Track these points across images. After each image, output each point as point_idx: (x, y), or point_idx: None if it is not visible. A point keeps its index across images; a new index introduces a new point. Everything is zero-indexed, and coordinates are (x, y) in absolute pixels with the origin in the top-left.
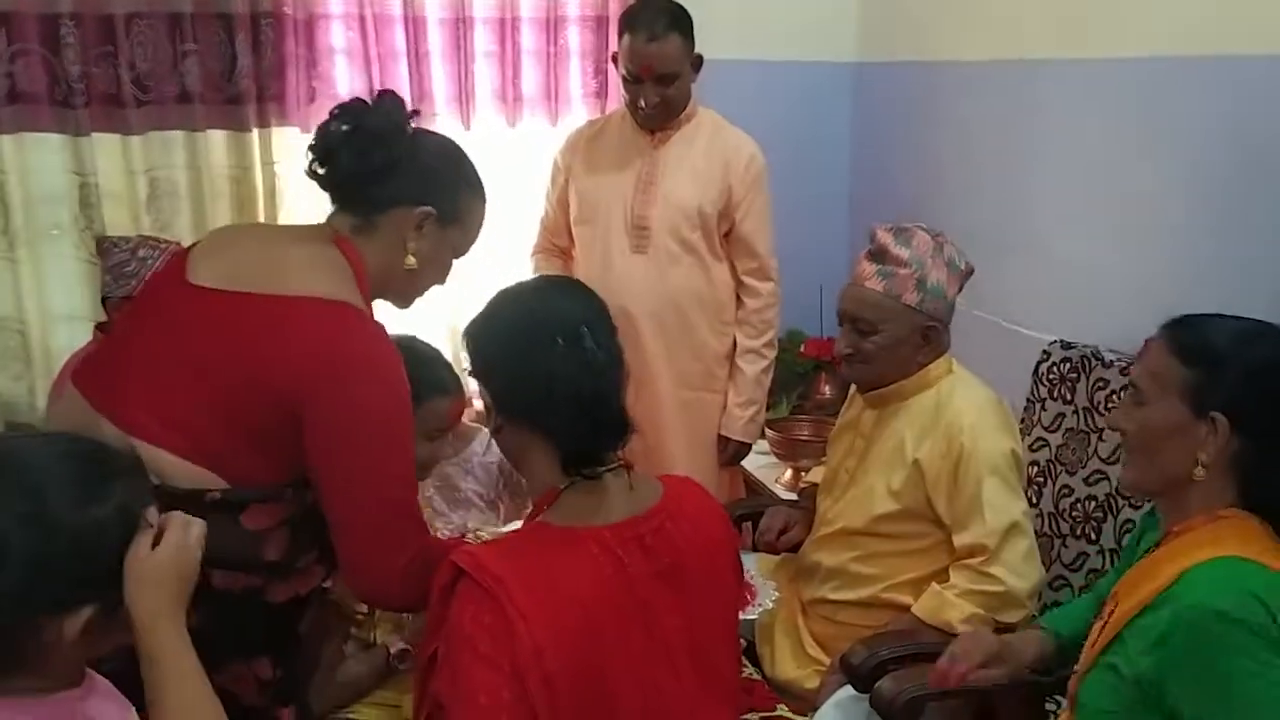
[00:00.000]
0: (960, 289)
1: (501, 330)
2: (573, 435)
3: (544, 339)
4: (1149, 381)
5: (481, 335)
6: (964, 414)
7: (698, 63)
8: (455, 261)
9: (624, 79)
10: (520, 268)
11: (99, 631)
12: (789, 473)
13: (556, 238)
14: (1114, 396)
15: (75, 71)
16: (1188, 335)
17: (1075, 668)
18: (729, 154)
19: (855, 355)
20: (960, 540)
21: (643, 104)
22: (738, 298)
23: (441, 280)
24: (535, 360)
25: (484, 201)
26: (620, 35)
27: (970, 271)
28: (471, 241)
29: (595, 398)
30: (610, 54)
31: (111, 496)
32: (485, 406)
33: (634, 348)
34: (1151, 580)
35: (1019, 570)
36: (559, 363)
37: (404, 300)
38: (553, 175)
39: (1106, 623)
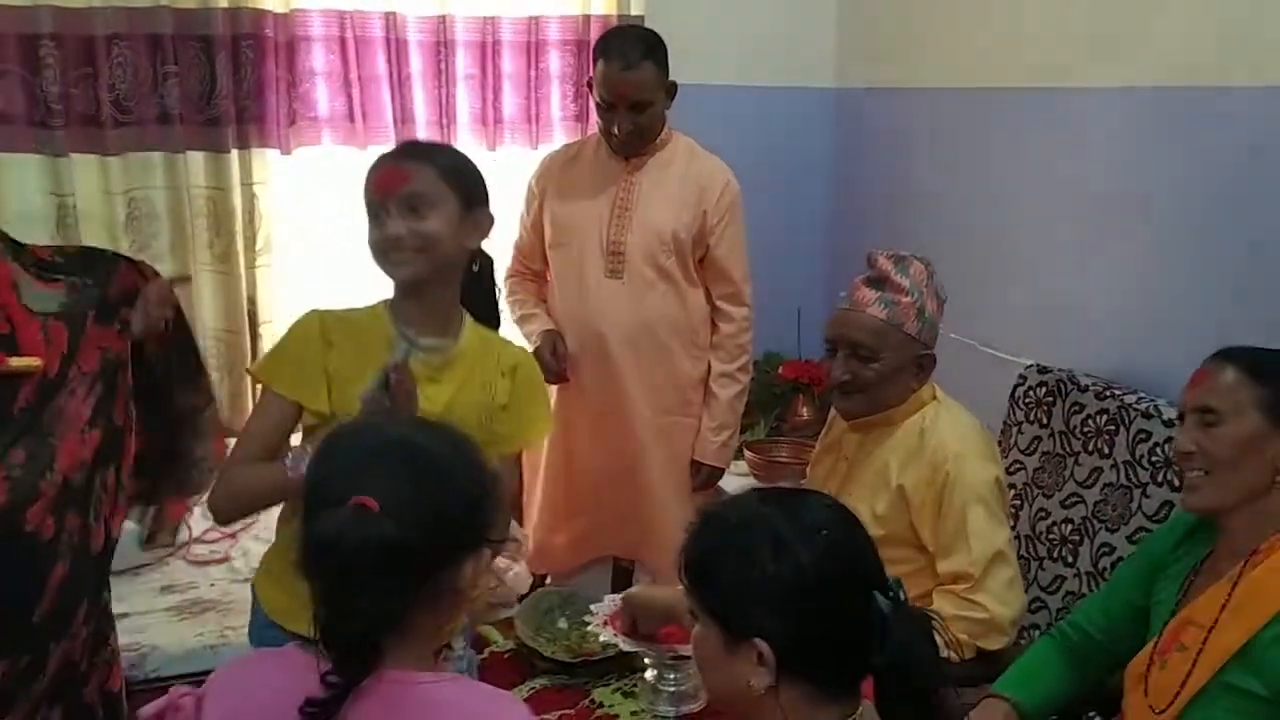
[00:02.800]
0: (942, 312)
1: (805, 569)
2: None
3: (859, 590)
4: (1221, 400)
5: (758, 563)
6: (949, 441)
7: (672, 90)
8: None
9: (598, 105)
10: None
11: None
12: None
13: (531, 261)
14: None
15: (55, 92)
16: (1249, 357)
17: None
18: (704, 180)
19: (852, 383)
20: (944, 566)
21: (616, 130)
22: (712, 322)
23: None
24: (851, 615)
25: None
26: (595, 61)
27: (944, 299)
28: None
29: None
30: (587, 79)
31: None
32: (754, 656)
33: (609, 372)
34: (1263, 598)
35: (1003, 598)
36: (892, 626)
37: None
38: (527, 199)
39: (1202, 650)
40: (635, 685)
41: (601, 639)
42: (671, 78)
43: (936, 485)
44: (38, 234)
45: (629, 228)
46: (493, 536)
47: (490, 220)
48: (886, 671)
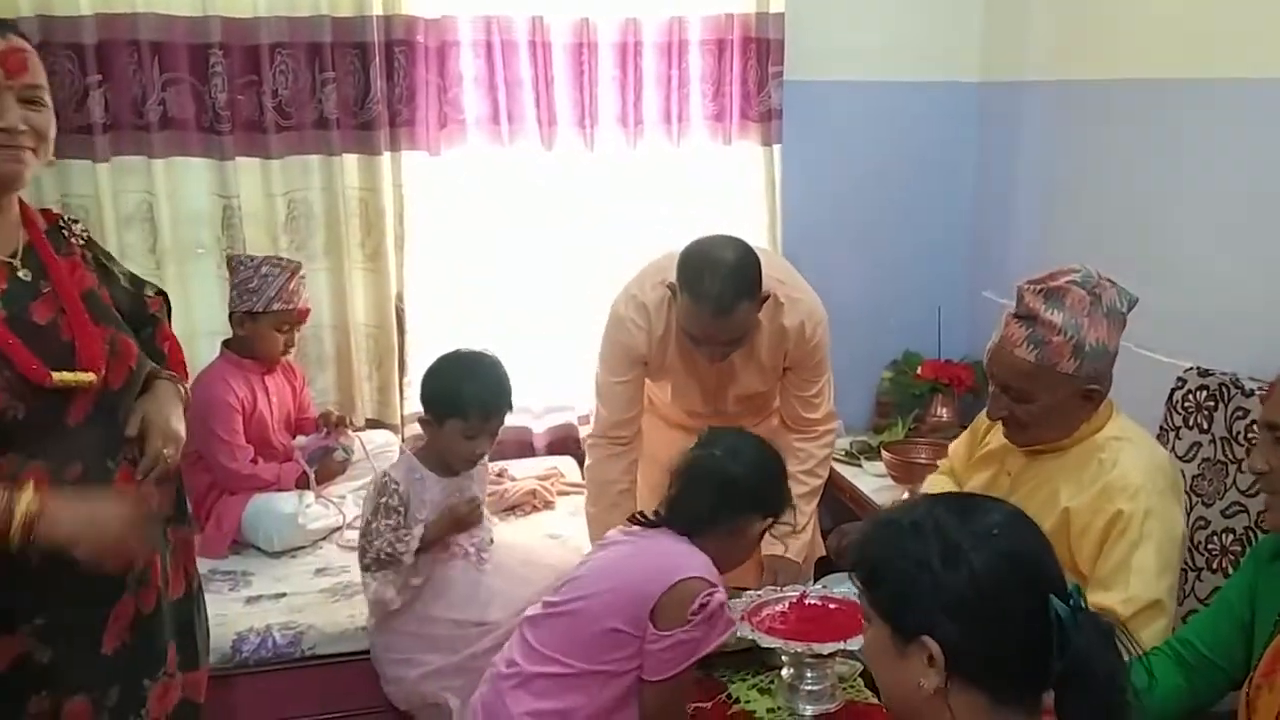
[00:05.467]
0: (1125, 326)
1: (975, 571)
2: None
3: (1035, 595)
4: None
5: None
6: (1131, 475)
7: (764, 301)
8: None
9: (683, 329)
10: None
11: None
12: (906, 495)
13: (623, 428)
14: (1254, 426)
15: (222, 99)
16: None
17: None
18: (789, 344)
19: (1011, 419)
20: (1095, 599)
21: (707, 358)
22: (786, 423)
23: None
24: (1026, 621)
25: None
26: (680, 289)
27: (1134, 303)
28: None
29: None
30: (669, 283)
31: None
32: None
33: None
34: None
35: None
36: (1071, 633)
37: None
38: (626, 361)
39: None
40: (772, 682)
41: (739, 633)
42: (811, 77)
43: (1106, 516)
44: (205, 233)
45: (725, 400)
46: (779, 517)
47: None
48: (1066, 681)
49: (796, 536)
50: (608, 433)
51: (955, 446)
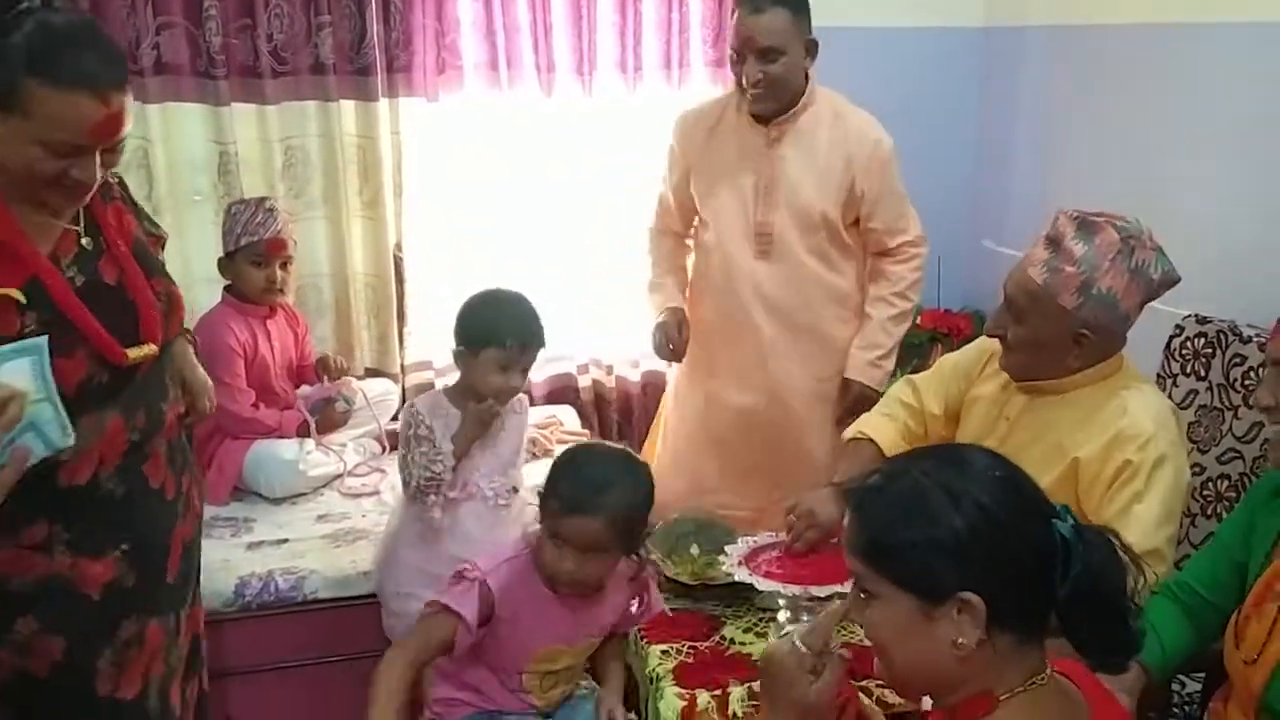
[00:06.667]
0: (1150, 298)
1: (989, 511)
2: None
3: (1039, 520)
4: None
5: (934, 512)
6: (1142, 422)
7: (812, 47)
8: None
9: (731, 60)
10: (639, 232)
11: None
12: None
13: (672, 223)
14: (1252, 373)
15: (217, 43)
16: None
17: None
18: (851, 147)
19: (1002, 339)
20: None
21: (745, 81)
22: (877, 257)
23: (46, 172)
24: (1035, 548)
25: (63, 88)
26: (733, 11)
27: (1170, 282)
28: (56, 131)
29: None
30: (731, 21)
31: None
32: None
33: (757, 342)
34: None
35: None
36: (1076, 549)
37: (30, 199)
38: (671, 161)
39: None
40: (768, 626)
41: (736, 578)
42: (812, 22)
43: (1115, 464)
44: (202, 180)
45: (775, 208)
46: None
47: None
48: (1074, 601)
49: (879, 365)
50: (664, 224)
51: (939, 383)
